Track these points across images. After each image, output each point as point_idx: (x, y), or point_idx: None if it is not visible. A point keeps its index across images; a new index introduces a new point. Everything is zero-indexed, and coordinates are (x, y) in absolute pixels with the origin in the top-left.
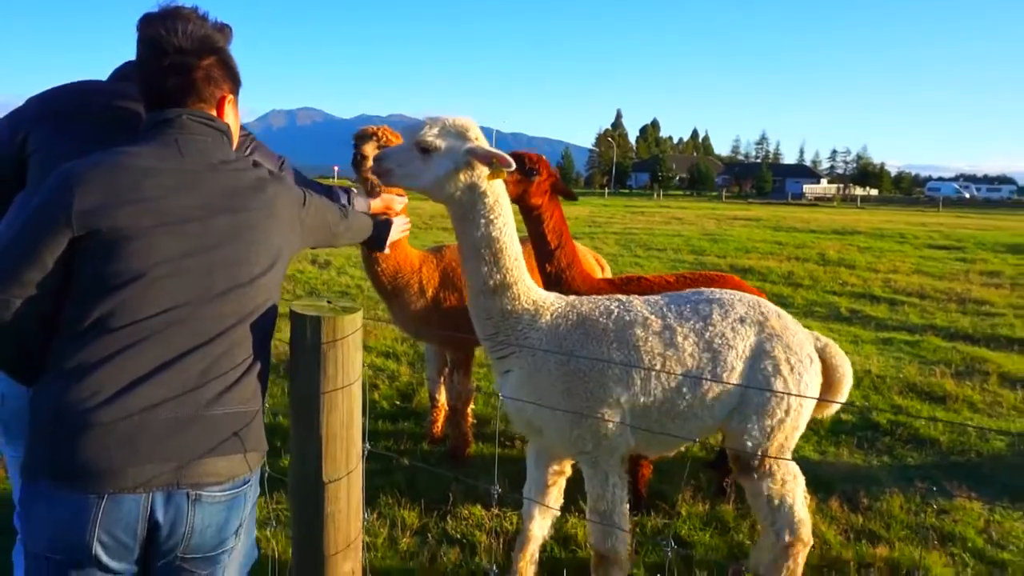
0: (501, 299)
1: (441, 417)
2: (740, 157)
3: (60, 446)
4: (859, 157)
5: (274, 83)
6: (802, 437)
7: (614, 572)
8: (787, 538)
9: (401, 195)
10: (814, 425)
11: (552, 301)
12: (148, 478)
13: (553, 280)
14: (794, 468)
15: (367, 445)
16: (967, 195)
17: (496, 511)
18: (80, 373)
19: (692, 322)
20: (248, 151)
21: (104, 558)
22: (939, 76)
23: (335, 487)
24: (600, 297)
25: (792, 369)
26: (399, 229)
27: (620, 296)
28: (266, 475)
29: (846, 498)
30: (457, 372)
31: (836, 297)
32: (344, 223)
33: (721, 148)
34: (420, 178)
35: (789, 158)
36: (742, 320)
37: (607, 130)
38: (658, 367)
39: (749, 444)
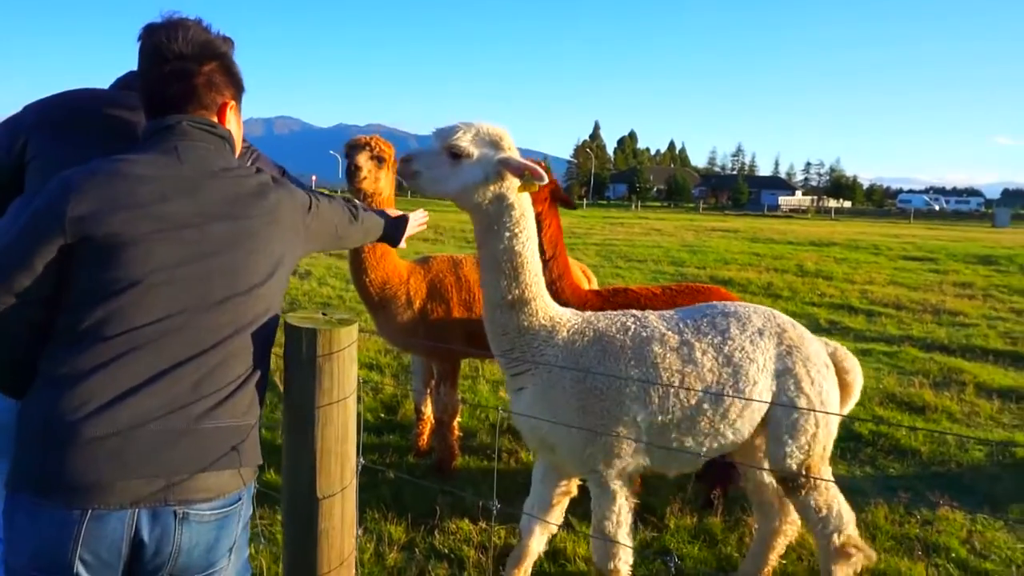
0: (519, 315)
1: (427, 430)
2: (716, 169)
3: (47, 457)
4: (832, 169)
5: (251, 91)
6: None
7: None
8: (839, 540)
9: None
10: None
11: (569, 317)
12: (135, 493)
13: None
14: (826, 471)
15: (361, 460)
16: (937, 207)
17: (483, 525)
18: (72, 381)
19: (710, 337)
20: (249, 163)
21: None
22: (908, 93)
23: (329, 503)
24: (616, 313)
25: (813, 382)
26: (416, 223)
27: (636, 312)
28: (253, 490)
29: None
30: (444, 384)
31: (815, 308)
32: (355, 225)
33: (698, 160)
34: (447, 184)
35: (764, 170)
36: (760, 332)
37: (585, 141)
38: (677, 384)
39: (793, 465)
